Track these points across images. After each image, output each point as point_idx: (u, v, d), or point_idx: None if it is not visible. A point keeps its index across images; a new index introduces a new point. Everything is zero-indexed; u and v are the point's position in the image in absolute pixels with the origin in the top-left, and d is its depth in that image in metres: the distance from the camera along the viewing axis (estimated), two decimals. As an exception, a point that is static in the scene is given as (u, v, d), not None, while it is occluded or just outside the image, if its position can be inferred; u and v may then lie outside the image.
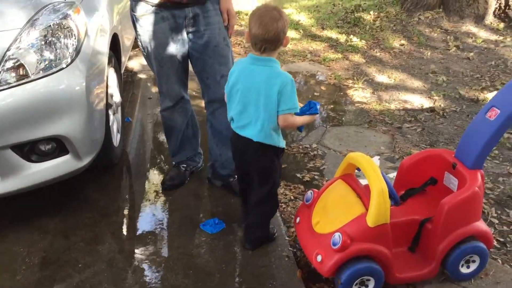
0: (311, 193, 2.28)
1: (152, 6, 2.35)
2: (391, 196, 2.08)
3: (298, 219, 2.25)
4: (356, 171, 2.30)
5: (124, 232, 2.42)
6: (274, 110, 2.01)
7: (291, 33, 6.32)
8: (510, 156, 3.43)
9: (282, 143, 2.16)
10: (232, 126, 2.17)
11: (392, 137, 3.65)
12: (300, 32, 6.39)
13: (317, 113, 2.10)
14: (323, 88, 4.63)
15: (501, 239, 2.52)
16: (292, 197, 2.79)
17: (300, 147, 3.42)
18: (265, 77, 2.00)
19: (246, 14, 7.13)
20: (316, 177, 3.03)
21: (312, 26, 6.64)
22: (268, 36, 1.95)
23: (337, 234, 1.95)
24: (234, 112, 2.12)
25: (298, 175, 3.04)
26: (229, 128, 2.17)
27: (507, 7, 6.34)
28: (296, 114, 2.05)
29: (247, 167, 2.22)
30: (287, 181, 2.94)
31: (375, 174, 1.98)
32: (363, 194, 2.08)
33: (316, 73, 5.03)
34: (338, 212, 2.09)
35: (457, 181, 2.23)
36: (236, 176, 2.55)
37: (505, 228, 2.61)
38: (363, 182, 2.19)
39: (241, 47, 5.74)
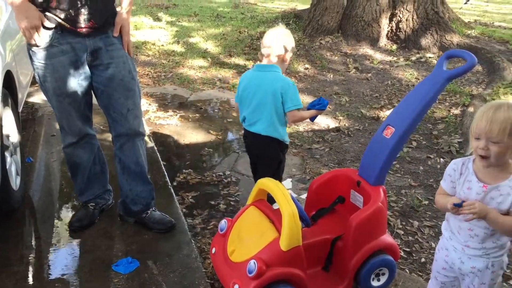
0: (225, 222, 2.28)
1: (50, 30, 2.23)
2: (302, 218, 2.14)
3: (214, 250, 2.23)
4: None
5: (29, 282, 2.25)
6: (280, 108, 2.46)
7: (198, 62, 6.37)
8: (410, 169, 3.67)
9: (286, 139, 2.59)
10: (244, 125, 2.60)
11: (303, 159, 3.77)
12: (208, 60, 6.45)
13: (324, 109, 2.53)
14: (234, 114, 4.69)
15: (407, 249, 2.67)
16: (208, 227, 2.77)
17: (214, 175, 3.41)
18: (270, 80, 2.45)
19: (154, 44, 7.09)
20: (231, 204, 3.04)
21: (220, 53, 6.74)
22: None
23: (252, 262, 1.95)
24: (246, 112, 2.55)
25: (213, 203, 3.03)
26: (137, 163, 2.12)
27: (398, 30, 6.87)
28: (307, 108, 2.52)
29: (256, 158, 2.67)
30: (202, 210, 2.92)
31: (285, 198, 2.02)
32: (276, 218, 2.11)
33: (227, 100, 5.09)
34: (252, 239, 2.10)
35: (362, 198, 2.33)
36: (148, 212, 2.56)
37: (410, 238, 2.77)
38: (275, 206, 2.22)
39: (149, 77, 5.67)
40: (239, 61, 6.38)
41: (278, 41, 2.49)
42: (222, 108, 4.88)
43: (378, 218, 2.20)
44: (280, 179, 2.70)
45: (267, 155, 2.58)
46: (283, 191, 2.06)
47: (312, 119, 2.59)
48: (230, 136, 4.21)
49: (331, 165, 3.70)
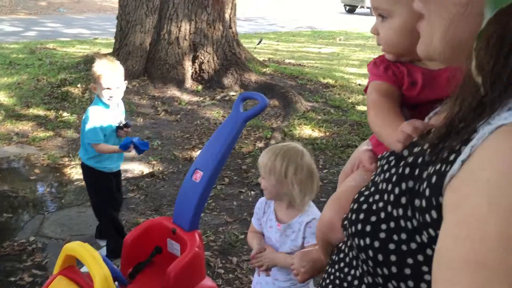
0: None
1: None
2: (116, 278, 2.02)
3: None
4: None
5: None
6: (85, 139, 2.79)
7: (-10, 115, 5.69)
8: (225, 205, 3.80)
9: (103, 168, 2.87)
10: None
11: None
12: (2, 113, 5.82)
13: (125, 150, 2.76)
14: (37, 171, 4.28)
15: None
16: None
17: (15, 244, 3.04)
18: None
19: None
20: (38, 274, 2.72)
21: (15, 105, 6.14)
22: None
23: None
24: None
25: (14, 279, 2.68)
26: None
27: (201, 71, 7.18)
28: (120, 146, 2.74)
29: None
30: (3, 289, 2.56)
31: (95, 261, 1.88)
32: (87, 285, 1.95)
33: (27, 156, 4.62)
34: (63, 313, 1.90)
35: (179, 246, 2.31)
36: None
37: (230, 275, 2.84)
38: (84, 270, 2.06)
39: None
40: (39, 111, 5.90)
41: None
42: (21, 165, 4.41)
43: (196, 264, 2.20)
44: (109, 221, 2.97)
45: (86, 182, 3.00)
46: (93, 254, 1.92)
47: (139, 151, 2.80)
48: (35, 195, 3.82)
49: (148, 212, 3.61)
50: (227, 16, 7.32)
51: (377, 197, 0.80)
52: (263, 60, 8.83)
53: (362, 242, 0.78)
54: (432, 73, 1.02)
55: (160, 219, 2.50)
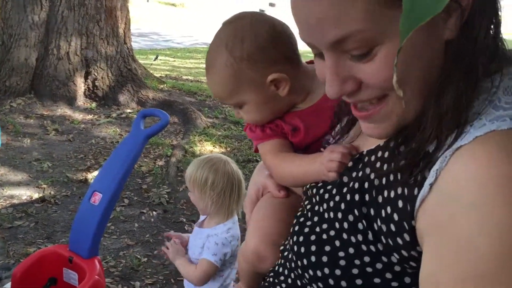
0: None
1: None
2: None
3: None
4: None
5: None
6: None
7: None
8: (126, 228, 3.62)
9: None
10: None
11: (3, 240, 3.27)
12: None
13: None
14: None
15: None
16: None
17: None
18: None
19: None
20: None
21: None
22: None
23: None
24: None
25: None
26: None
27: (95, 88, 6.85)
28: None
29: None
30: None
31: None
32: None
33: None
34: None
35: (76, 275, 2.14)
36: None
37: (134, 301, 2.69)
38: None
39: None
40: None
41: None
42: None
43: (96, 294, 2.05)
44: None
45: None
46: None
47: None
48: None
49: (40, 241, 3.32)
50: (121, 31, 7.09)
51: (325, 226, 0.79)
52: (160, 76, 8.68)
53: (319, 273, 0.76)
54: (308, 112, 1.06)
55: (54, 247, 2.31)
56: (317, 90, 1.06)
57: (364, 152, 0.79)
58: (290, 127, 1.04)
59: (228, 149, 5.39)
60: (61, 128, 5.89)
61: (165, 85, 7.78)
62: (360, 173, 0.77)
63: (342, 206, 0.76)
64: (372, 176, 0.73)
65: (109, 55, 6.85)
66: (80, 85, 6.75)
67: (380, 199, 0.70)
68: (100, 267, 2.13)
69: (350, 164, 0.80)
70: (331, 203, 0.79)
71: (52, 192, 4.15)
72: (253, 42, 0.99)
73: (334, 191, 0.80)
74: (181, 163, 4.83)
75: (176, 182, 4.45)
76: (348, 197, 0.76)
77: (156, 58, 9.75)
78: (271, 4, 34.84)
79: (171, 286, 2.97)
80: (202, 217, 2.00)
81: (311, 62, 1.07)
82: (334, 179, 0.82)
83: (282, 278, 0.88)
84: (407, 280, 0.70)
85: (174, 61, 12.02)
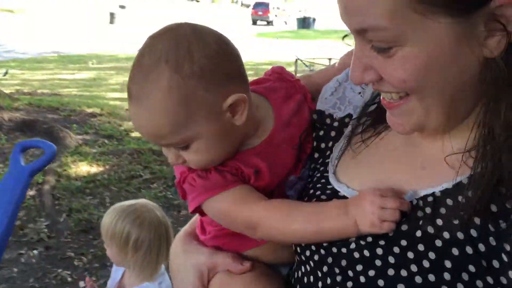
0: None
1: None
2: None
3: None
4: None
5: None
6: None
7: None
8: (4, 275, 3.14)
9: None
10: None
11: None
12: None
13: None
14: None
15: None
16: None
17: None
18: None
19: None
20: None
21: None
22: None
23: None
24: None
25: None
26: None
27: None
28: None
29: None
30: None
31: None
32: None
33: None
34: None
35: None
36: None
37: None
38: None
39: None
40: None
41: None
42: None
43: None
44: None
45: None
46: None
47: None
48: None
49: None
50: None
51: None
52: (11, 93, 7.75)
53: None
54: (264, 147, 0.86)
55: None
56: (266, 117, 0.88)
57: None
58: (251, 170, 0.83)
59: (107, 167, 4.98)
60: None
61: (20, 102, 6.96)
62: (449, 224, 0.67)
63: (449, 264, 0.64)
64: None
65: None
66: None
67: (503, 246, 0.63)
68: None
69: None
70: (426, 263, 0.66)
71: None
72: (203, 53, 0.76)
73: (437, 249, 0.66)
74: (56, 190, 4.34)
75: (55, 213, 3.97)
76: (458, 252, 0.65)
77: (6, 73, 8.72)
78: (121, 6, 33.63)
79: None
80: (116, 271, 1.73)
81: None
82: (389, 230, 0.69)
83: None
84: None
85: (23, 73, 10.88)
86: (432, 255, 0.65)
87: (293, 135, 0.88)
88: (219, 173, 0.81)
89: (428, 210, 0.68)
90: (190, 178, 0.82)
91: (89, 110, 7.03)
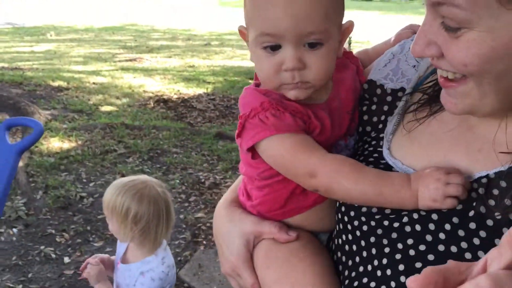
0: None
1: None
2: None
3: None
4: None
5: None
6: None
7: None
8: (-15, 255, 3.09)
9: None
10: None
11: None
12: None
13: None
14: None
15: None
16: None
17: None
18: None
19: None
20: None
21: None
22: None
23: None
24: None
25: None
26: None
27: None
28: None
29: None
30: None
31: None
32: None
33: None
34: None
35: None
36: None
37: None
38: None
39: None
40: None
41: None
42: None
43: None
44: None
45: None
46: None
47: None
48: None
49: None
50: None
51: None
52: (-33, 67, 7.44)
53: None
54: (331, 104, 0.87)
55: None
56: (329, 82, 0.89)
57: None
58: (319, 122, 0.83)
59: (80, 142, 4.90)
60: None
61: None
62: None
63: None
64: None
65: None
66: None
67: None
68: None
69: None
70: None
71: None
72: None
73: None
74: (30, 167, 4.26)
75: (31, 190, 3.91)
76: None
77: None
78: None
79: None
80: (120, 246, 1.75)
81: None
82: (452, 206, 0.71)
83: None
84: None
85: (-22, 47, 10.40)
86: (483, 233, 0.68)
87: (347, 100, 0.90)
88: (293, 116, 0.81)
89: (481, 191, 0.70)
90: (263, 115, 0.81)
91: (55, 84, 6.84)
